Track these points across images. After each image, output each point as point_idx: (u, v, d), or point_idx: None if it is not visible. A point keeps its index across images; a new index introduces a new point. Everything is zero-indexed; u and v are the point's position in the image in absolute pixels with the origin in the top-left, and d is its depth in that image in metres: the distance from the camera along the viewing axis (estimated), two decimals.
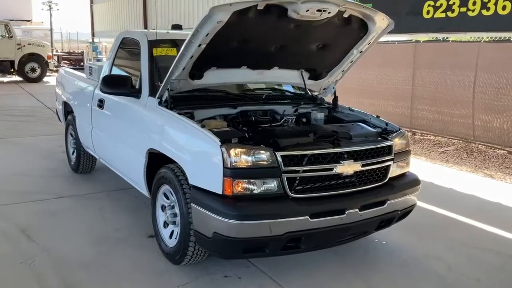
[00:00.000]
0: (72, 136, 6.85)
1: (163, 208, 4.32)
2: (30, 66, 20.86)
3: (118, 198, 5.92)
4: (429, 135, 10.36)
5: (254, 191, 3.54)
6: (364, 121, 4.79)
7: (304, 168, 3.65)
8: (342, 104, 5.30)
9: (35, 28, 38.94)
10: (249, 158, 3.54)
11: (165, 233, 4.27)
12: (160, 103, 4.37)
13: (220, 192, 3.52)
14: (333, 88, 5.30)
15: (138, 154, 4.56)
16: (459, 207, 5.98)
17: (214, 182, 3.56)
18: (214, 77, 4.53)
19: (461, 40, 10.34)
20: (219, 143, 3.53)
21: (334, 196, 3.80)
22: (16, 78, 21.23)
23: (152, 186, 4.38)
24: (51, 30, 36.52)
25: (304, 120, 4.95)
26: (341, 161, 3.79)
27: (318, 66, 5.02)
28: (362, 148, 3.95)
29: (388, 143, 4.18)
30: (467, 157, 8.87)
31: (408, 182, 4.34)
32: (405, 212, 4.32)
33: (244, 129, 4.10)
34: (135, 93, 4.72)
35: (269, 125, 4.55)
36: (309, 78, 5.14)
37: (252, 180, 3.53)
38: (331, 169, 3.76)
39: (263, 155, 3.57)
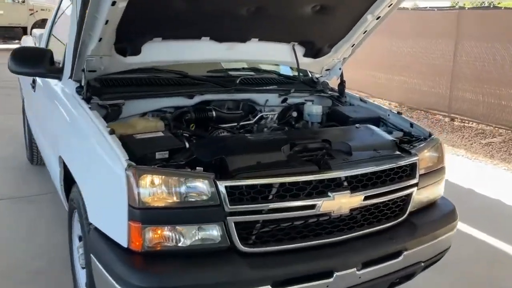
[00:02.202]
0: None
1: (80, 239, 3.01)
2: None
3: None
4: (471, 122, 8.67)
5: (180, 244, 2.18)
6: (377, 120, 3.32)
7: (265, 207, 2.25)
8: (353, 92, 3.81)
9: None
10: (174, 191, 2.17)
11: (81, 276, 2.98)
12: (79, 90, 3.01)
13: (125, 245, 2.17)
14: (340, 69, 3.80)
15: (55, 159, 3.25)
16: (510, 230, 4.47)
17: (116, 227, 2.22)
18: (160, 53, 3.13)
19: None
20: (125, 164, 2.15)
21: (316, 248, 2.40)
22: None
23: (68, 207, 3.08)
24: None
25: (295, 115, 3.51)
26: (329, 193, 2.37)
27: (316, 37, 3.54)
28: (366, 171, 2.50)
29: (410, 159, 2.71)
30: None
31: (439, 218, 2.88)
32: (433, 261, 2.87)
33: (188, 135, 2.72)
34: (55, 72, 3.35)
35: (236, 125, 3.14)
36: (305, 55, 3.66)
37: (177, 227, 2.17)
38: (312, 207, 2.34)
39: (197, 186, 2.19)
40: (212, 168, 2.28)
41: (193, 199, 2.18)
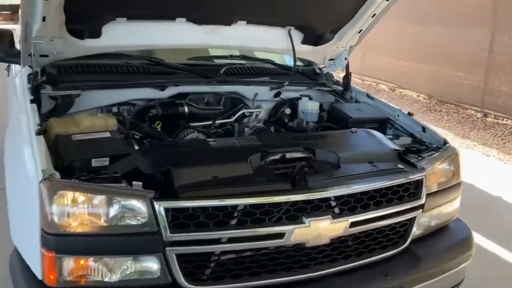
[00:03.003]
0: None
1: None
2: None
3: None
4: (505, 119, 7.88)
5: (108, 280, 1.73)
6: (385, 122, 2.78)
7: (218, 236, 1.77)
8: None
9: None
10: (100, 212, 1.71)
11: None
12: (30, 77, 2.59)
13: (39, 277, 1.74)
14: (346, 58, 3.26)
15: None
16: None
17: (32, 254, 1.79)
18: (125, 36, 2.66)
19: None
20: (40, 176, 1.71)
21: (287, 287, 1.91)
22: None
23: None
24: None
25: (288, 112, 3.00)
26: (304, 219, 1.87)
27: (316, 21, 3.00)
28: (355, 190, 1.99)
29: (415, 175, 2.17)
30: None
31: (450, 247, 2.34)
32: None
33: (140, 137, 2.26)
34: (14, 56, 2.92)
35: (211, 123, 2.66)
36: (304, 42, 3.13)
37: (105, 259, 1.72)
38: (280, 236, 1.85)
39: (131, 207, 1.73)
40: (156, 183, 1.81)
41: (124, 224, 1.73)
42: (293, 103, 3.03)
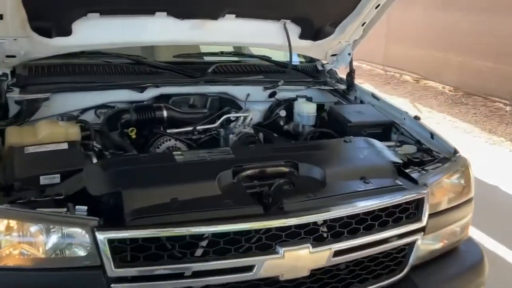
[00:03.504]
0: None
1: None
2: None
3: None
4: None
5: None
6: (389, 126, 2.47)
7: (174, 270, 1.52)
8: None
9: None
10: (36, 242, 1.49)
11: None
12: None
13: None
14: (349, 54, 2.94)
15: None
16: None
17: None
18: (99, 34, 2.42)
19: None
20: None
21: None
22: None
23: None
24: None
25: (283, 114, 2.73)
26: (277, 248, 1.60)
27: (315, 13, 2.69)
28: (340, 214, 1.70)
29: (415, 193, 1.87)
30: None
31: (458, 274, 2.03)
32: None
33: (99, 149, 2.02)
34: None
35: (192, 130, 2.41)
36: (302, 37, 2.82)
37: None
38: (249, 269, 1.59)
39: (70, 237, 1.49)
40: (104, 208, 1.58)
41: (65, 257, 1.50)
42: (289, 104, 2.75)
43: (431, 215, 1.91)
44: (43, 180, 1.72)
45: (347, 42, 2.88)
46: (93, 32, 2.40)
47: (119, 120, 2.29)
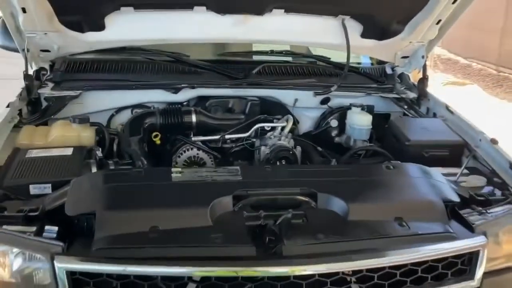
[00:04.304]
0: None
1: None
2: None
3: None
4: None
5: None
6: (460, 150, 2.02)
7: None
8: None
9: None
10: (3, 264, 1.35)
11: None
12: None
13: None
14: (423, 57, 2.49)
15: None
16: None
17: None
18: (134, 29, 2.27)
19: None
20: None
21: None
22: None
23: None
24: None
25: (334, 124, 2.38)
26: None
27: (379, 9, 2.29)
28: (357, 266, 1.35)
29: (468, 243, 1.45)
30: None
31: None
32: None
33: (99, 158, 1.84)
34: None
35: (219, 138, 2.16)
36: (364, 36, 2.43)
37: None
38: None
39: (36, 261, 1.32)
40: (78, 231, 1.39)
41: (29, 282, 1.33)
42: (343, 113, 2.39)
43: (488, 274, 1.47)
44: (33, 189, 1.59)
45: (419, 42, 2.44)
46: (128, 28, 2.25)
47: (140, 124, 2.11)
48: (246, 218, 1.44)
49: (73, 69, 2.37)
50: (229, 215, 1.44)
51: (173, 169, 1.58)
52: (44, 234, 1.36)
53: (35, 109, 2.24)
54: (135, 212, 1.39)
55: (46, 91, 2.23)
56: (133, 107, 2.37)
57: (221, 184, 1.54)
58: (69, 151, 1.77)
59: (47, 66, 2.39)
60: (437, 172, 1.72)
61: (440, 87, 6.72)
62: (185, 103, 2.36)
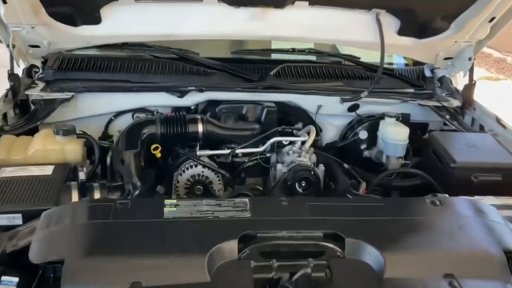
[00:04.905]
0: None
1: None
2: None
3: None
4: None
5: None
6: (508, 174, 1.68)
7: None
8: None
9: None
10: None
11: None
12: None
13: None
14: (470, 59, 2.13)
15: None
16: None
17: None
18: (135, 23, 1.98)
19: None
20: None
21: None
22: None
23: None
24: None
25: (364, 136, 2.05)
26: None
27: (421, 3, 1.94)
28: None
29: None
30: None
31: None
32: None
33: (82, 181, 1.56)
34: None
35: (229, 153, 1.85)
36: (402, 33, 2.09)
37: None
38: None
39: None
40: (42, 282, 1.11)
41: None
42: (374, 123, 2.06)
43: None
44: (0, 220, 1.31)
45: (467, 42, 2.09)
46: (128, 21, 1.96)
47: (138, 135, 1.81)
48: (254, 269, 1.13)
49: (67, 67, 2.08)
50: (232, 266, 1.14)
51: (166, 202, 1.28)
52: (0, 286, 1.09)
53: (25, 113, 1.97)
54: (113, 262, 1.09)
55: (34, 92, 1.96)
56: (134, 111, 2.09)
57: (224, 223, 1.23)
58: (49, 170, 1.49)
59: (39, 64, 2.12)
60: (492, 209, 1.39)
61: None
62: (193, 108, 2.08)
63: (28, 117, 1.89)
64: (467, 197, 1.44)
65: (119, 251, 1.12)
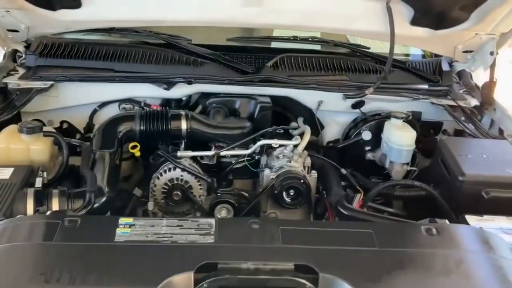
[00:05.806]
0: None
1: None
2: None
3: None
4: None
5: None
6: None
7: None
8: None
9: None
10: None
11: None
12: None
13: None
14: (492, 53, 1.89)
15: None
16: None
17: None
18: (118, 6, 1.81)
19: None
20: None
21: None
22: None
23: None
24: None
25: (367, 137, 1.86)
26: None
27: None
28: None
29: None
30: None
31: None
32: None
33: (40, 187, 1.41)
34: None
35: (212, 156, 1.69)
36: (415, 23, 1.87)
37: None
38: None
39: None
40: None
41: None
42: (379, 122, 1.86)
43: None
44: None
45: (489, 35, 1.85)
46: (110, 5, 1.80)
47: (114, 131, 1.66)
48: None
49: (50, 52, 1.94)
50: None
51: (121, 221, 1.14)
52: None
53: (5, 100, 1.85)
54: None
55: (12, 80, 1.84)
56: (120, 101, 1.94)
57: (182, 250, 1.08)
58: (7, 173, 1.36)
59: (21, 48, 1.98)
60: (502, 242, 1.19)
61: (506, 65, 5.88)
62: (184, 99, 1.92)
63: (3, 106, 1.77)
64: (471, 226, 1.25)
65: (54, 281, 0.98)
